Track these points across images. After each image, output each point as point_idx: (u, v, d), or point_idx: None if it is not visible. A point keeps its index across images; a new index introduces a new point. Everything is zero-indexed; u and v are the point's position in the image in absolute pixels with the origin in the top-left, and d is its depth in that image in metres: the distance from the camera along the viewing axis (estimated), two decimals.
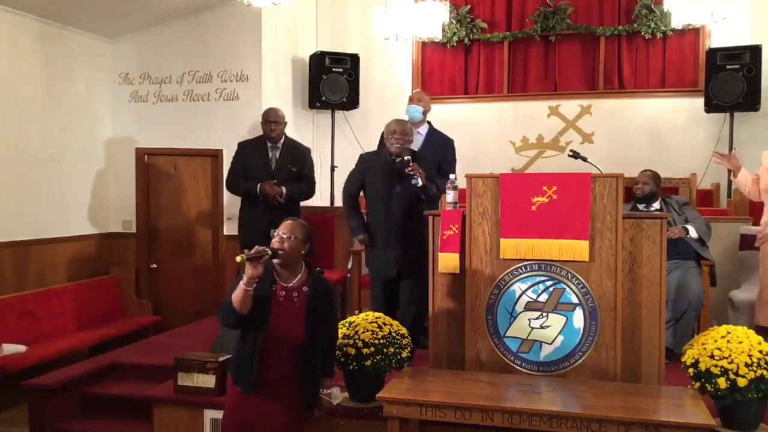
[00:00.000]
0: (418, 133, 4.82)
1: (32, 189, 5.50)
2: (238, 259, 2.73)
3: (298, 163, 5.12)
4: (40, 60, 5.57)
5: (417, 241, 4.15)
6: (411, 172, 4.07)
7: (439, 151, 4.76)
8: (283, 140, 5.16)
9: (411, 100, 4.96)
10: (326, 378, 3.07)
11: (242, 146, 5.23)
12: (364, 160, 4.47)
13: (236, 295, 2.79)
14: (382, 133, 4.48)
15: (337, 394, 3.13)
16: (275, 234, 2.94)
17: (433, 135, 4.88)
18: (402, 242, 4.26)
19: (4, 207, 5.22)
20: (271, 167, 5.08)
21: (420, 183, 4.08)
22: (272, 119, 5.08)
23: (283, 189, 4.96)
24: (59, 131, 5.78)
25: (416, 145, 4.77)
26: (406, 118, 4.73)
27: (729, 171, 4.60)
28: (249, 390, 2.88)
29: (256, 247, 2.79)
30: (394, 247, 4.28)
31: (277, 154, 5.11)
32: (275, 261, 2.89)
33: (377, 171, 4.33)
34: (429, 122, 4.95)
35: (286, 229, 2.93)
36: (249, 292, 2.78)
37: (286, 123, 5.21)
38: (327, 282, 3.10)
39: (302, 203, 5.26)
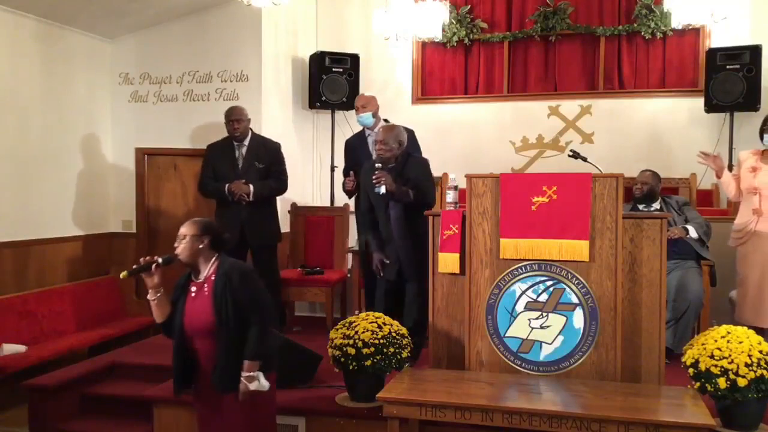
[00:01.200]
0: (377, 133, 4.87)
1: (32, 189, 5.49)
2: (122, 275, 2.86)
3: (265, 160, 5.09)
4: (40, 60, 5.57)
5: (417, 244, 4.15)
6: (374, 181, 4.08)
7: None
8: (249, 138, 5.13)
9: (357, 109, 4.96)
10: (247, 360, 2.87)
11: (210, 148, 5.23)
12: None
13: (152, 308, 2.94)
14: None
15: (263, 383, 2.89)
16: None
17: None
18: (402, 246, 4.25)
19: (4, 207, 5.22)
20: (238, 166, 5.06)
21: (382, 191, 4.07)
22: (234, 118, 5.05)
23: (251, 187, 4.94)
24: (59, 131, 5.78)
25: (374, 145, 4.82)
26: (359, 127, 4.80)
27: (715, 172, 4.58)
28: (179, 394, 2.99)
29: (142, 259, 2.93)
30: (394, 250, 4.28)
31: (244, 152, 5.09)
32: (182, 263, 2.98)
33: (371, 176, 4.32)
34: (386, 120, 4.98)
35: (180, 232, 3.04)
36: (155, 302, 2.92)
37: (249, 119, 5.15)
38: (237, 263, 3.05)
39: (300, 203, 5.25)
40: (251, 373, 2.87)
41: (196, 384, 3.01)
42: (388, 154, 4.19)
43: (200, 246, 2.99)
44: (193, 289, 2.99)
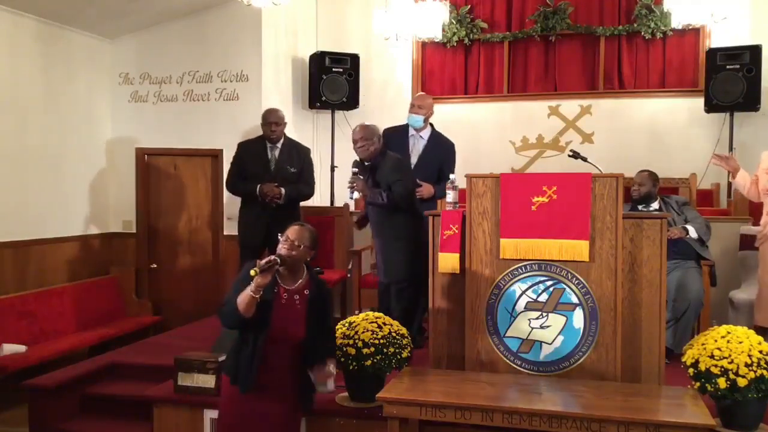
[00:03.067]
0: (421, 137, 4.85)
1: (32, 189, 5.50)
2: (253, 272, 2.77)
3: (297, 164, 5.12)
4: (40, 60, 5.57)
5: (395, 247, 4.22)
6: (348, 187, 4.14)
7: (441, 154, 4.81)
8: (282, 140, 5.16)
9: (412, 107, 4.91)
10: (329, 358, 3.12)
11: (242, 146, 5.24)
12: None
13: (242, 300, 2.83)
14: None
15: (330, 386, 3.12)
16: (283, 238, 2.97)
17: (436, 138, 4.91)
18: (382, 246, 4.28)
19: (4, 207, 5.22)
20: (270, 168, 5.08)
21: (356, 196, 4.15)
22: (273, 120, 5.08)
23: (282, 190, 4.96)
24: (59, 131, 5.78)
25: (417, 149, 4.81)
26: (408, 123, 4.78)
27: (728, 172, 4.59)
28: (248, 390, 2.91)
29: (268, 257, 2.83)
30: (377, 250, 4.33)
31: (277, 155, 5.11)
32: (284, 265, 2.93)
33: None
34: (431, 125, 4.96)
35: (296, 235, 2.97)
36: (256, 299, 2.82)
37: (285, 123, 5.20)
38: (325, 283, 3.21)
39: (302, 203, 5.26)
40: (332, 372, 3.04)
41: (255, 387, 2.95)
42: (372, 148, 4.21)
43: (308, 258, 3.04)
44: (285, 296, 2.98)
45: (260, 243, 4.94)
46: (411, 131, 4.89)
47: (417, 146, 4.83)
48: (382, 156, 4.28)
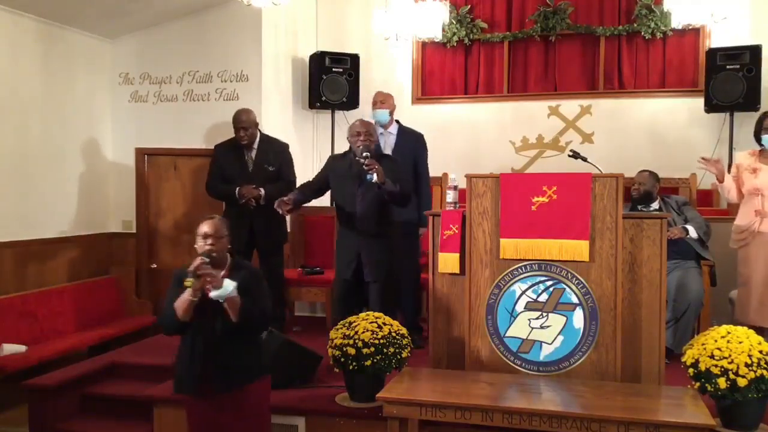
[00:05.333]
0: (390, 133, 4.86)
1: (32, 189, 5.49)
2: (188, 283, 2.83)
3: (275, 162, 5.08)
4: (40, 60, 5.57)
5: (382, 244, 4.17)
6: (368, 167, 3.96)
7: (412, 147, 4.85)
8: (258, 140, 5.10)
9: (375, 103, 4.95)
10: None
11: (218, 148, 5.22)
12: (331, 160, 4.45)
13: (180, 306, 2.90)
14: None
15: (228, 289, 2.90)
16: (201, 236, 2.97)
17: (404, 133, 4.94)
18: (366, 244, 4.19)
19: (4, 207, 5.22)
20: (248, 169, 5.04)
21: (375, 178, 3.96)
22: (241, 125, 4.99)
23: (261, 191, 4.93)
24: (59, 131, 5.77)
25: (389, 144, 4.84)
26: (372, 121, 4.75)
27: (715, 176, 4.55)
28: (191, 392, 2.97)
29: (196, 261, 2.86)
30: (357, 248, 4.21)
31: (254, 155, 5.07)
32: (212, 261, 2.95)
33: (342, 172, 4.29)
34: (397, 120, 4.98)
35: (213, 229, 2.98)
36: (194, 302, 2.88)
37: (257, 124, 5.11)
38: (248, 264, 3.21)
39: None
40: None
41: (199, 383, 2.99)
42: (372, 145, 4.18)
43: (228, 245, 3.05)
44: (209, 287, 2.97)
45: (245, 246, 4.88)
46: (379, 129, 4.89)
47: (388, 142, 4.86)
48: (382, 155, 4.27)
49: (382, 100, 4.93)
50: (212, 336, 2.95)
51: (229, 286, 2.87)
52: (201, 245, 2.96)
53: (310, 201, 4.53)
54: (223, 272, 2.97)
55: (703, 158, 4.48)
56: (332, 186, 4.39)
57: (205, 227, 2.98)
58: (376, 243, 4.18)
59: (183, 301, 2.88)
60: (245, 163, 5.06)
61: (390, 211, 4.27)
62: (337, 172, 4.31)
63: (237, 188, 4.93)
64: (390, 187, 4.05)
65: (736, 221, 4.45)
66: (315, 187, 4.44)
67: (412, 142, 4.89)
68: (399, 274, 4.68)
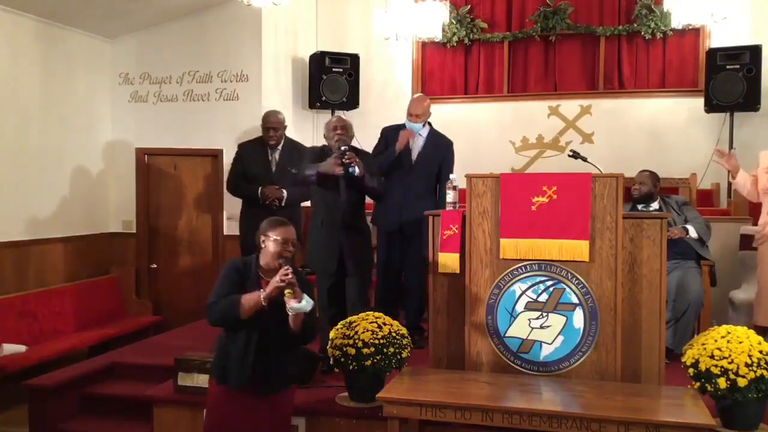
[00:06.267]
0: (420, 134, 4.84)
1: (32, 189, 5.49)
2: (288, 293, 2.79)
3: (298, 165, 5.10)
4: (40, 60, 5.57)
5: (363, 238, 4.23)
6: (348, 161, 4.01)
7: (440, 152, 4.81)
8: (283, 142, 5.15)
9: (410, 116, 4.82)
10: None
11: (242, 147, 5.24)
12: (311, 153, 4.44)
13: (249, 306, 2.86)
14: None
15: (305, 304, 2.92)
16: (280, 240, 2.94)
17: (434, 136, 4.90)
18: (346, 238, 4.18)
19: (4, 207, 5.22)
20: (271, 170, 5.08)
21: (357, 171, 4.02)
22: (272, 125, 5.07)
23: (284, 192, 4.95)
24: (59, 131, 5.78)
25: (418, 145, 4.82)
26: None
27: (728, 171, 4.58)
28: (240, 386, 2.93)
29: (283, 271, 2.81)
30: (337, 241, 4.19)
31: (277, 156, 5.11)
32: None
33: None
34: (429, 123, 4.96)
35: (290, 235, 2.99)
36: (263, 306, 2.86)
37: (286, 126, 5.19)
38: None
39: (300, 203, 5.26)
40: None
41: (249, 379, 2.96)
42: (349, 141, 4.22)
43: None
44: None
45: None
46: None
47: (417, 143, 4.84)
48: (355, 150, 4.26)
49: (417, 114, 4.78)
50: (267, 337, 2.95)
51: (309, 303, 2.87)
52: (278, 250, 2.93)
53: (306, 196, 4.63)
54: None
55: (718, 150, 4.46)
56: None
57: (283, 233, 2.96)
58: (356, 236, 4.21)
59: (253, 300, 2.85)
60: (269, 164, 5.09)
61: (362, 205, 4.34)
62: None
63: (260, 189, 4.94)
64: (369, 181, 4.12)
65: (759, 220, 4.47)
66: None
67: (440, 148, 4.84)
68: (406, 275, 4.78)
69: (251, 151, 5.15)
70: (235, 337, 2.96)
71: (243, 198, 5.18)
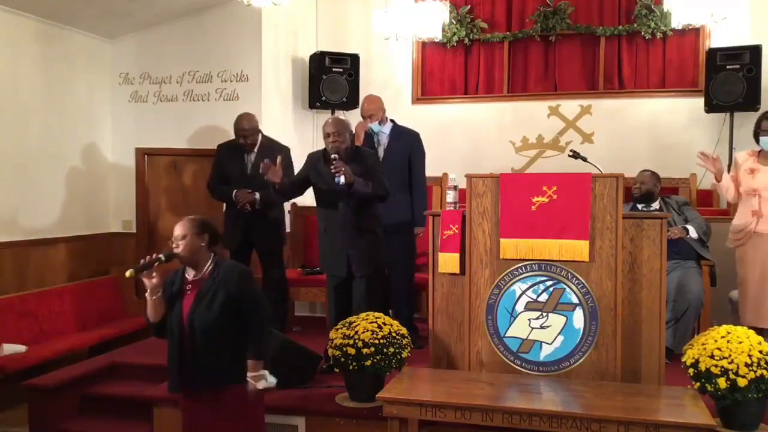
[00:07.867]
0: (382, 132, 4.87)
1: (32, 189, 5.49)
2: (127, 274, 2.86)
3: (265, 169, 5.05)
4: (40, 60, 5.57)
5: (368, 240, 4.14)
6: (334, 171, 3.91)
7: (407, 144, 4.85)
8: (259, 143, 5.05)
9: (364, 118, 4.88)
10: (252, 359, 2.92)
11: (220, 148, 5.20)
12: (309, 158, 4.38)
13: (149, 309, 2.94)
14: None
15: (270, 380, 2.93)
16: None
17: (397, 131, 4.93)
18: (352, 241, 4.13)
19: (4, 207, 5.22)
20: (246, 171, 5.01)
21: (342, 181, 3.92)
22: (241, 132, 4.96)
23: (256, 195, 4.87)
24: (59, 131, 5.78)
25: (383, 141, 4.84)
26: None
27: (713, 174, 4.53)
28: (176, 390, 2.97)
29: (148, 257, 2.92)
30: (343, 246, 4.15)
31: (253, 158, 5.01)
32: (180, 262, 3.00)
33: (321, 170, 4.20)
34: (392, 120, 4.96)
35: (178, 230, 3.02)
36: (155, 301, 2.92)
37: (259, 130, 5.07)
38: (234, 263, 3.14)
39: (301, 203, 5.24)
40: (258, 373, 2.90)
41: (190, 383, 2.98)
42: (343, 146, 4.08)
43: (201, 244, 3.01)
44: (189, 287, 3.00)
45: (236, 247, 4.90)
46: (374, 128, 4.92)
47: (381, 140, 4.88)
48: (357, 151, 4.22)
49: (369, 114, 4.86)
50: (186, 339, 2.94)
51: (273, 381, 2.93)
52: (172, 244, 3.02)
53: (290, 197, 4.50)
54: (205, 269, 3.00)
55: (702, 153, 4.46)
56: (314, 183, 4.29)
57: (175, 228, 3.05)
58: (363, 238, 4.13)
59: (149, 303, 2.95)
60: (245, 166, 5.04)
61: (374, 206, 4.23)
62: (318, 169, 4.25)
63: (234, 192, 4.92)
64: (360, 188, 3.98)
65: (734, 221, 4.45)
66: (297, 185, 4.34)
67: (405, 142, 4.86)
68: (391, 274, 4.71)
69: (228, 152, 5.11)
70: (170, 340, 2.99)
71: (220, 201, 5.18)
